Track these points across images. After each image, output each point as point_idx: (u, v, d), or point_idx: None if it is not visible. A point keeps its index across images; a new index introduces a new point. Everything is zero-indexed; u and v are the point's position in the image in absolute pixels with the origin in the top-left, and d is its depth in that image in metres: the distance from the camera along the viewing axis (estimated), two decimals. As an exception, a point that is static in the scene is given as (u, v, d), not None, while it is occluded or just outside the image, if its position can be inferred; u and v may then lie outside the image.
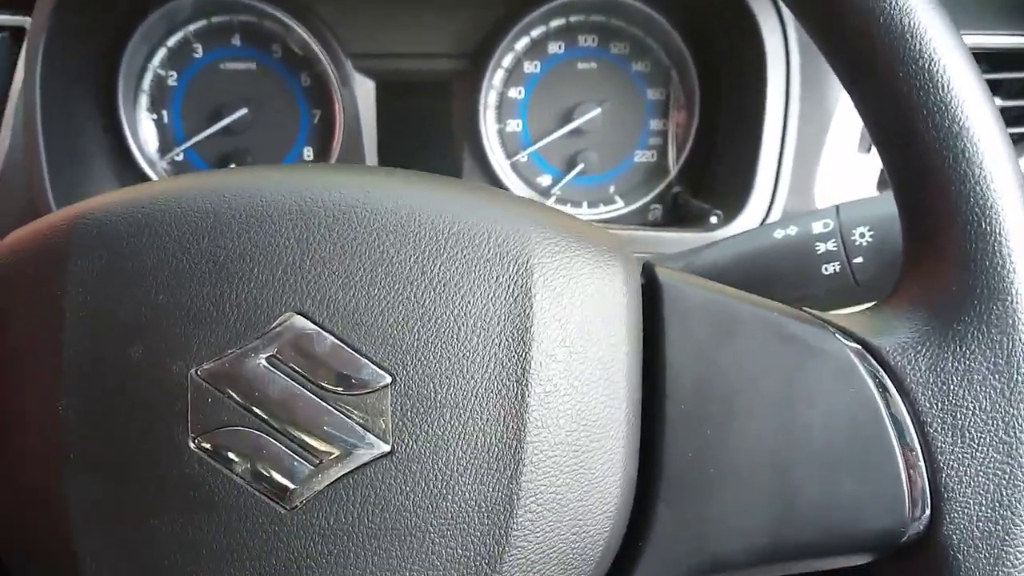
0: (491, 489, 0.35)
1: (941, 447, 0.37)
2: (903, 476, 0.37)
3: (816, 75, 0.80)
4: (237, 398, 0.34)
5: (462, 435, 0.35)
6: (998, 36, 0.80)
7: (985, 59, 0.78)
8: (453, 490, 0.34)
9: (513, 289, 0.35)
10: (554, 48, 0.90)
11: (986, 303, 0.36)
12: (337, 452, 0.34)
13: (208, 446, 0.34)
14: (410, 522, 0.34)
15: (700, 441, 0.37)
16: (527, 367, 0.35)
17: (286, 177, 0.37)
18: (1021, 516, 0.36)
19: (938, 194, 0.37)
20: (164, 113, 0.90)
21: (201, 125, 0.89)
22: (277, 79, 0.90)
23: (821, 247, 0.56)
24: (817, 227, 0.56)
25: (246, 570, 0.34)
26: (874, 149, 0.79)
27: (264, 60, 0.90)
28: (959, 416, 0.37)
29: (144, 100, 0.89)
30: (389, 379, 0.34)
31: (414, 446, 0.34)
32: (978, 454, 0.36)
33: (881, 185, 0.81)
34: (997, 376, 0.36)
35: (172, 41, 0.89)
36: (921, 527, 0.37)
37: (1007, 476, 0.36)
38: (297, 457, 0.34)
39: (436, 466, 0.34)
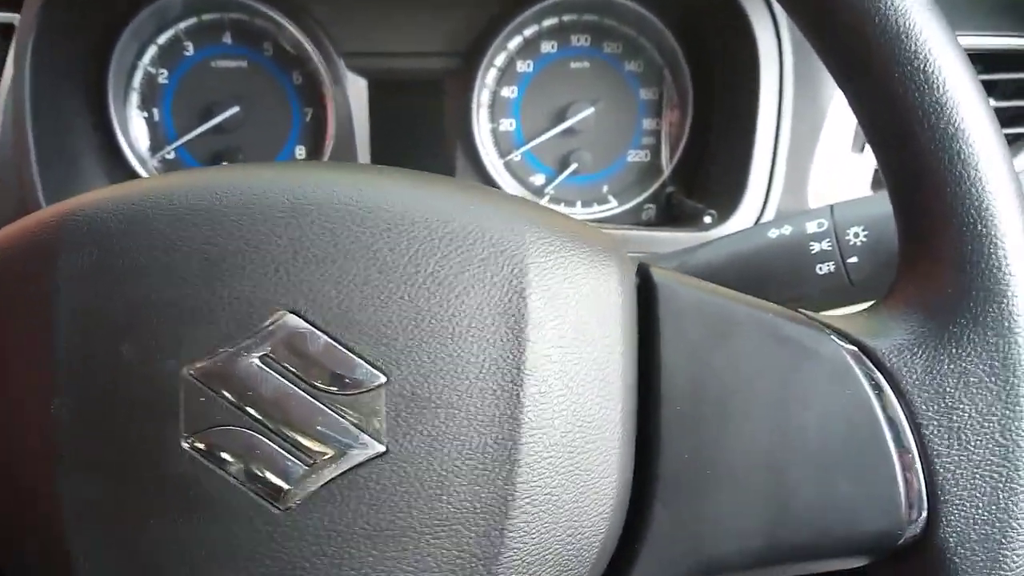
0: (486, 490, 0.34)
1: (937, 449, 0.37)
2: (899, 478, 0.37)
3: (809, 74, 0.80)
4: (230, 397, 0.34)
5: (457, 435, 0.34)
6: (991, 37, 0.80)
7: (979, 60, 0.79)
8: (448, 491, 0.34)
9: (508, 289, 0.35)
10: (547, 47, 0.90)
11: (982, 305, 0.36)
12: (331, 452, 0.34)
13: (201, 446, 0.34)
14: (404, 523, 0.34)
15: (696, 442, 0.37)
16: (522, 367, 0.35)
17: (279, 175, 0.37)
18: (1017, 519, 0.36)
19: (934, 195, 0.37)
20: (155, 111, 0.90)
21: (192, 123, 0.89)
22: (269, 77, 0.90)
23: (815, 247, 0.56)
24: (811, 227, 0.56)
25: (239, 571, 0.34)
26: (868, 149, 0.79)
27: (255, 58, 0.89)
28: (955, 418, 0.37)
29: (135, 98, 0.89)
30: (383, 379, 0.34)
31: (408, 446, 0.34)
32: (974, 457, 0.36)
33: (875, 185, 0.81)
34: (993, 379, 0.36)
35: (163, 39, 0.88)
36: (917, 530, 0.37)
37: (1003, 479, 0.36)
38: (291, 457, 0.34)
39: (431, 466, 0.34)
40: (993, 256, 0.36)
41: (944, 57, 0.36)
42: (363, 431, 0.34)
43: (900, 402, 0.37)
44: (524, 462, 0.35)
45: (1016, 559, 0.36)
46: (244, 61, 0.89)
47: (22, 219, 0.38)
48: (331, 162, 0.88)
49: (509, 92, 0.91)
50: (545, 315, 0.35)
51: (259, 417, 0.34)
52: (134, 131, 0.89)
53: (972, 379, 0.37)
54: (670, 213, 0.91)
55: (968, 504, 0.36)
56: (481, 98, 0.90)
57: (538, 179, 0.92)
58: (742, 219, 0.81)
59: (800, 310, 0.40)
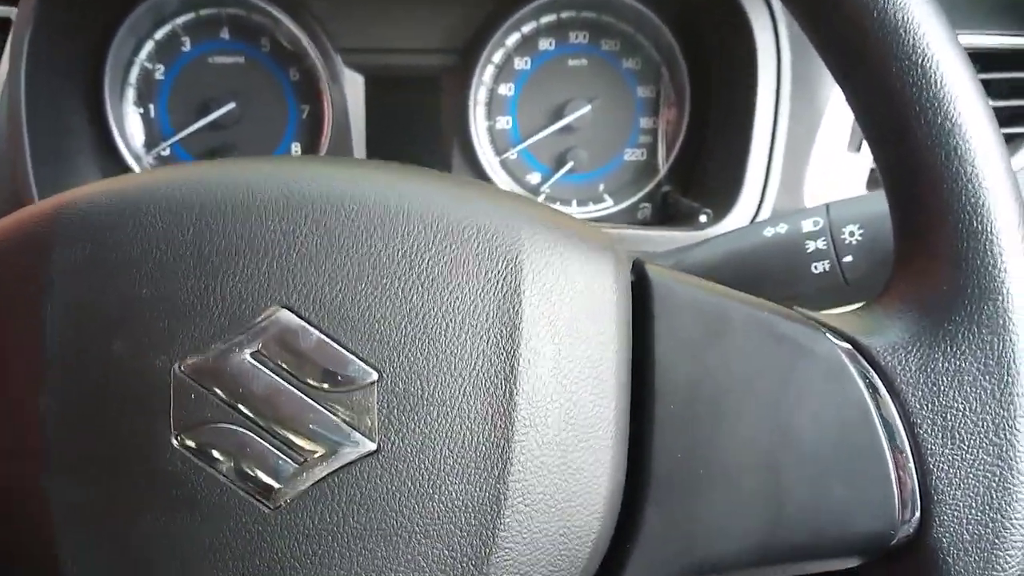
0: (478, 488, 0.34)
1: (931, 449, 0.37)
2: (893, 478, 0.37)
3: (807, 73, 0.80)
4: (221, 394, 0.34)
5: (449, 433, 0.34)
6: (989, 36, 0.80)
7: (975, 59, 0.78)
8: (439, 489, 0.34)
9: (502, 285, 0.35)
10: (545, 44, 0.90)
11: (977, 303, 0.36)
12: (322, 450, 0.34)
13: (191, 443, 0.34)
14: (396, 522, 0.34)
15: (689, 441, 0.37)
16: (515, 364, 0.35)
17: (274, 169, 0.37)
18: (1011, 519, 0.36)
19: (930, 191, 0.37)
20: (151, 107, 0.89)
21: (188, 119, 0.89)
22: (265, 73, 0.89)
23: (811, 245, 0.56)
24: (807, 225, 0.56)
25: (229, 570, 0.34)
26: (864, 148, 0.79)
27: (252, 54, 0.89)
28: (949, 417, 0.36)
29: (131, 94, 0.89)
30: (375, 376, 0.34)
31: (400, 444, 0.34)
32: (968, 456, 0.36)
33: (871, 184, 0.81)
34: (987, 377, 0.36)
35: (159, 34, 0.88)
36: (911, 530, 0.37)
37: (997, 478, 0.36)
38: (282, 455, 0.34)
39: (422, 465, 0.34)
40: (988, 253, 0.36)
41: (942, 52, 0.36)
42: (355, 429, 0.34)
43: (894, 401, 0.37)
44: (517, 460, 0.34)
45: (1009, 560, 0.36)
46: (241, 57, 0.89)
47: (16, 212, 0.38)
48: (326, 157, 0.87)
49: (506, 89, 0.90)
50: (539, 312, 0.35)
51: (250, 414, 0.34)
52: (130, 127, 0.89)
53: (967, 377, 0.36)
54: (666, 212, 0.91)
55: (961, 504, 0.36)
56: (478, 95, 0.90)
57: (534, 177, 0.92)
58: (738, 218, 0.81)
59: (796, 308, 0.40)
